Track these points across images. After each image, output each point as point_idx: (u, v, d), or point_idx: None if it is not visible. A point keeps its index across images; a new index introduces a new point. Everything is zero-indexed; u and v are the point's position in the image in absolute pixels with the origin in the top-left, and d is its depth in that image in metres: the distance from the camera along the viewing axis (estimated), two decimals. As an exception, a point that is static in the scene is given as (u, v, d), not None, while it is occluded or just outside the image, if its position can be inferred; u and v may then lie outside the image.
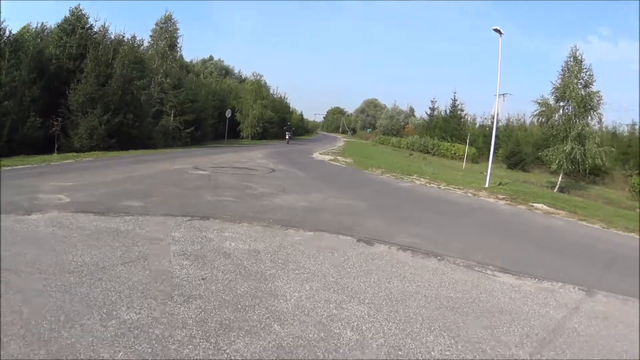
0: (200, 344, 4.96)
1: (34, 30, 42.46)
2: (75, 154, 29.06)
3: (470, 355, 5.51)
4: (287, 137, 66.52)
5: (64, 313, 5.41)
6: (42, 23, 43.81)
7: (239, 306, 6.01)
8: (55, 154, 28.39)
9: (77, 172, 19.63)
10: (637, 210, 26.23)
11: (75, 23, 40.17)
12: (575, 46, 32.72)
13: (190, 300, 6.01)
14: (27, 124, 30.44)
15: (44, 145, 30.82)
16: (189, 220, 10.83)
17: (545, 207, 19.83)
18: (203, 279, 6.89)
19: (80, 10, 41.20)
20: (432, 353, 5.43)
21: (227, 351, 4.89)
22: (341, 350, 5.21)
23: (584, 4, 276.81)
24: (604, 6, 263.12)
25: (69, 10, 40.96)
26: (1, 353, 4.49)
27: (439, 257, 9.56)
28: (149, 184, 16.61)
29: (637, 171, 42.73)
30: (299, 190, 17.65)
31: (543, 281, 8.74)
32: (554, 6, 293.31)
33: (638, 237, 15.75)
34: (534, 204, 20.23)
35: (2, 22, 32.74)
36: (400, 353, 5.31)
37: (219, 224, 10.73)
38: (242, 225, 10.77)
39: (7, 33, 33.58)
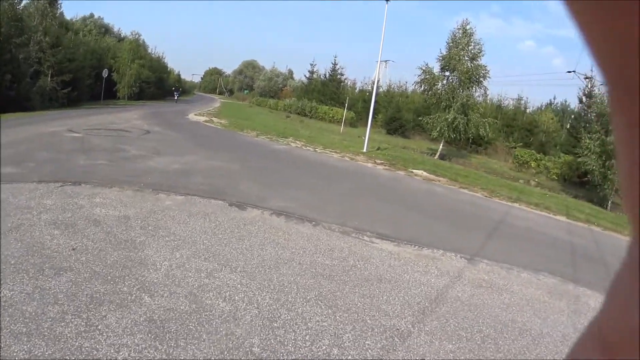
0: (73, 320, 4.95)
1: None
2: None
3: (349, 325, 5.69)
4: (175, 96, 77.47)
5: None
6: None
7: (109, 277, 6.01)
8: None
9: None
10: (521, 181, 27.28)
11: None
12: (466, 19, 33.29)
13: (61, 273, 5.96)
14: None
15: None
16: (61, 186, 10.58)
17: (425, 173, 20.50)
18: (73, 249, 6.81)
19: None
20: (309, 324, 5.55)
21: (99, 327, 4.92)
22: (213, 323, 5.27)
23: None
24: None
25: None
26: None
27: (313, 223, 9.77)
28: (23, 149, 15.95)
29: (521, 144, 44.45)
30: (173, 152, 17.55)
31: (423, 248, 9.08)
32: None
33: (525, 207, 16.65)
34: (414, 170, 20.83)
35: None
36: (275, 325, 5.44)
37: (90, 189, 10.56)
38: (113, 190, 10.64)
39: None
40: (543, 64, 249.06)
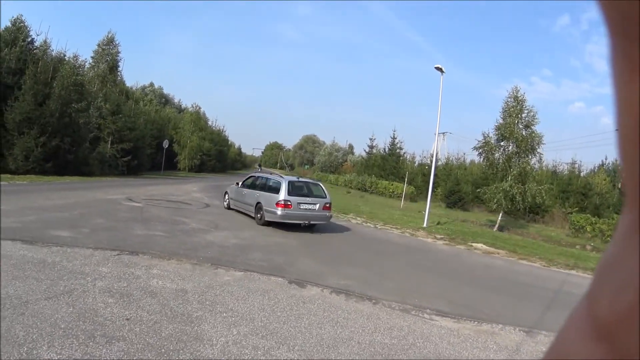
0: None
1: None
2: (9, 175, 28.53)
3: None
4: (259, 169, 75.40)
5: (-19, 349, 5.24)
6: None
7: (163, 350, 5.91)
8: (-10, 175, 27.81)
9: (9, 195, 19.21)
10: (577, 247, 26.64)
11: (17, 34, 39.39)
12: (516, 87, 32.85)
13: (113, 342, 5.89)
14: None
15: (-25, 164, 29.88)
16: (118, 254, 10.66)
17: (484, 246, 20.11)
18: (127, 319, 6.75)
19: (22, 21, 40.36)
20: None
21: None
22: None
23: (528, 46, 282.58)
24: (546, 47, 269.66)
25: (10, 20, 40.10)
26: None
27: (373, 301, 9.57)
28: (80, 213, 16.33)
29: (577, 208, 43.48)
30: (232, 227, 17.66)
31: (482, 323, 8.84)
32: (499, 48, 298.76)
33: (581, 273, 16.22)
34: (473, 244, 20.54)
35: None
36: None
37: (147, 260, 10.61)
38: (171, 263, 10.67)
39: None
40: (593, 125, 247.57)
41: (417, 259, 16.19)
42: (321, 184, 22.34)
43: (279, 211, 18.89)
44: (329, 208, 20.51)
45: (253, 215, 20.69)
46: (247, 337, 6.74)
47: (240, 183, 23.59)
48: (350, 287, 10.46)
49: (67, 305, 6.94)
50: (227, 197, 24.64)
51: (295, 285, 10.10)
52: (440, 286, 12.07)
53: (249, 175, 24.38)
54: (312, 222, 20.02)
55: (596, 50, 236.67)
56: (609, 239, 33.04)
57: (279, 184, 19.98)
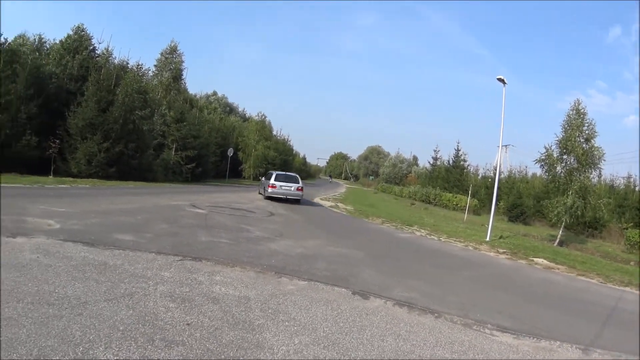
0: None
1: (30, 42, 42.36)
2: (72, 179, 29.33)
3: None
4: (330, 179, 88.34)
5: (36, 347, 5.22)
6: (40, 36, 44.28)
7: (223, 357, 5.78)
8: (51, 177, 28.60)
9: (72, 198, 19.73)
10: (632, 263, 26.02)
11: (79, 43, 40.13)
12: (578, 100, 32.35)
13: (172, 346, 5.78)
14: (21, 142, 30.53)
15: (38, 166, 30.88)
16: (181, 260, 10.65)
17: (545, 261, 19.88)
18: (188, 324, 6.65)
19: (84, 30, 41.16)
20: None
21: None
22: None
23: (584, 58, 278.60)
24: (602, 59, 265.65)
25: (72, 29, 41.08)
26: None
27: (436, 315, 9.32)
28: (144, 218, 16.51)
29: (632, 224, 42.52)
30: (296, 236, 17.52)
31: (541, 340, 8.59)
32: (558, 60, 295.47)
33: (635, 291, 15.83)
34: (534, 259, 20.29)
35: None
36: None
37: (210, 266, 10.55)
38: (234, 270, 10.57)
39: (2, 40, 34.03)
40: None
41: (480, 273, 15.97)
42: (297, 176, 38.42)
43: (270, 190, 33.58)
44: (301, 190, 35.12)
45: (263, 193, 35.91)
46: (309, 347, 6.58)
47: (263, 178, 39.81)
48: (413, 300, 10.24)
49: (127, 308, 6.90)
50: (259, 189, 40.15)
51: (359, 297, 9.90)
52: (502, 301, 11.80)
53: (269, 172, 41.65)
54: (288, 197, 34.22)
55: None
56: (663, 254, 32.32)
57: (271, 175, 35.65)
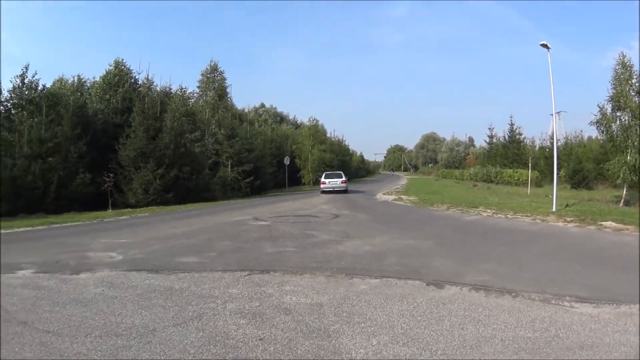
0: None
1: (70, 84, 43.34)
2: (130, 209, 29.79)
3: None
4: (392, 172, 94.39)
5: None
6: (79, 76, 45.63)
7: (300, 368, 5.60)
8: (110, 210, 29.07)
9: (131, 228, 19.95)
10: None
11: (119, 77, 40.95)
12: (622, 52, 31.95)
13: (246, 363, 5.62)
14: (76, 181, 31.39)
15: (96, 201, 31.54)
16: (248, 274, 10.56)
17: (613, 224, 19.56)
18: (261, 339, 6.48)
19: (123, 63, 42.12)
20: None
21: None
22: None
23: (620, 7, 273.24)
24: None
25: (109, 65, 42.42)
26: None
27: (513, 294, 9.03)
28: (206, 238, 16.55)
29: None
30: (363, 234, 17.30)
31: (621, 306, 8.26)
32: (590, 15, 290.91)
33: None
34: (602, 223, 19.93)
35: (34, 75, 33.89)
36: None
37: (279, 277, 10.43)
38: (303, 277, 10.43)
39: (40, 86, 35.25)
40: None
41: (550, 245, 15.59)
42: (341, 172, 52.22)
43: (322, 186, 47.18)
44: (345, 182, 48.09)
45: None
46: (388, 346, 6.35)
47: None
48: (489, 283, 9.97)
49: (197, 330, 6.81)
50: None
51: (434, 287, 9.66)
52: (576, 271, 11.42)
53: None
54: (336, 189, 46.78)
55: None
56: None
57: (323, 174, 50.83)
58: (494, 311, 7.97)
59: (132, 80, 43.30)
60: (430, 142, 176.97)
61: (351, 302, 8.47)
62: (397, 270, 11.13)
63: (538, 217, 22.62)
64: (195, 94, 60.09)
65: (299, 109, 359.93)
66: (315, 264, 11.88)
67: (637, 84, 30.51)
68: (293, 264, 11.86)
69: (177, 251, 13.70)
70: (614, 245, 15.29)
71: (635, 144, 29.84)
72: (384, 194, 45.02)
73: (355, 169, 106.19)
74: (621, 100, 30.48)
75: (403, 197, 39.57)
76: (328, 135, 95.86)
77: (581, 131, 74.27)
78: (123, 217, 25.48)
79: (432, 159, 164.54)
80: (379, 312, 7.88)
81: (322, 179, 48.67)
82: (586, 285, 9.79)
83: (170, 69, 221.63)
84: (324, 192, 46.56)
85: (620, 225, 19.01)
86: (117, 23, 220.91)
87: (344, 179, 48.55)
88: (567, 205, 27.32)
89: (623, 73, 30.95)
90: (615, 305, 8.28)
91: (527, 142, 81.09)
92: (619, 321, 7.44)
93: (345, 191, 47.28)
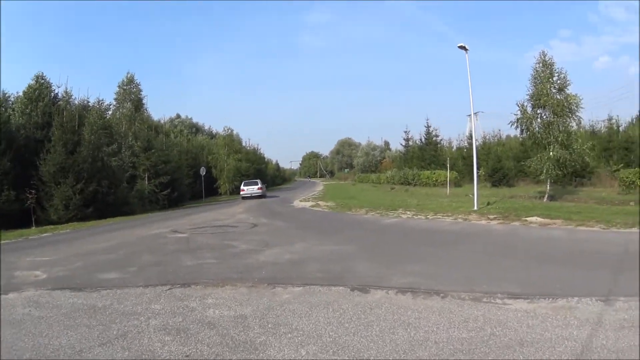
0: None
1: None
2: (52, 226, 29.25)
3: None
4: (309, 179, 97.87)
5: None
6: (4, 91, 44.00)
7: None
8: (34, 228, 28.44)
9: (54, 245, 19.66)
10: (632, 204, 26.09)
11: (39, 91, 40.20)
12: (543, 51, 32.53)
13: (174, 382, 5.63)
14: (1, 198, 30.63)
15: (21, 218, 30.85)
16: (169, 289, 10.45)
17: (539, 219, 19.97)
18: (187, 355, 6.43)
19: (44, 77, 41.30)
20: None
21: None
22: None
23: (540, 9, 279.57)
24: (562, 7, 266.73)
25: (31, 79, 41.24)
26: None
27: (442, 295, 9.11)
28: (126, 252, 16.36)
29: (622, 165, 42.86)
30: (283, 242, 17.31)
31: (557, 299, 8.39)
32: (511, 17, 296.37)
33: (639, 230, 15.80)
34: (528, 218, 20.31)
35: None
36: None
37: (200, 290, 10.34)
38: (225, 289, 10.35)
39: None
40: (621, 77, 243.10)
41: (476, 243, 15.84)
42: (258, 180, 60.95)
43: (241, 193, 55.55)
44: (261, 189, 56.14)
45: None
46: (317, 356, 6.36)
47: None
48: (415, 284, 10.03)
49: (123, 350, 6.70)
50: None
51: (359, 292, 9.67)
52: (505, 267, 11.60)
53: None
54: (254, 195, 53.87)
55: (611, 1, 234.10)
56: (662, 189, 32.49)
57: (242, 182, 59.68)
58: (423, 313, 8.03)
59: (52, 94, 42.27)
60: (345, 148, 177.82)
61: (275, 312, 8.44)
62: (319, 277, 11.17)
63: (460, 216, 23.09)
64: (112, 106, 59.08)
65: (216, 118, 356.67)
66: (236, 274, 11.83)
67: (558, 82, 31.22)
68: (214, 275, 11.81)
69: (98, 267, 13.48)
70: (541, 240, 15.70)
71: (558, 138, 30.46)
72: (300, 200, 45.02)
73: (271, 177, 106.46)
74: (542, 99, 31.13)
75: (320, 202, 39.65)
76: (244, 144, 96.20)
77: (499, 130, 77.12)
78: (46, 235, 25.00)
79: (348, 164, 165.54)
80: (305, 321, 7.86)
81: (242, 187, 57.16)
82: (517, 281, 9.98)
83: (89, 82, 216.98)
84: (244, 197, 54.47)
85: (547, 220, 19.51)
86: (38, 35, 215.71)
87: (260, 185, 57.69)
88: (488, 203, 27.90)
89: (544, 71, 31.65)
90: (551, 299, 8.43)
91: (444, 144, 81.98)
92: (558, 315, 7.56)
93: (262, 196, 55.81)
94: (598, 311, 7.73)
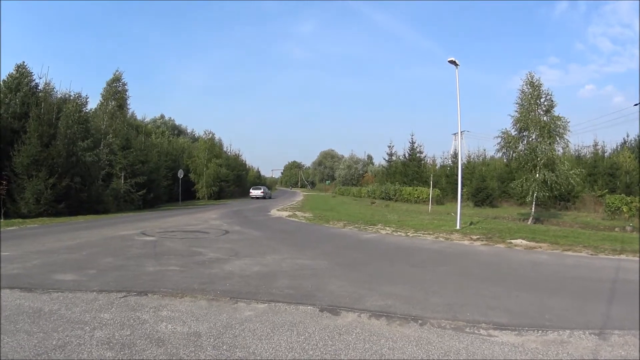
0: None
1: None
2: (21, 220, 28.69)
3: None
4: (290, 188, 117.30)
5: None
6: None
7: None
8: (2, 220, 27.80)
9: (17, 240, 19.07)
10: (617, 230, 25.99)
11: (20, 80, 39.68)
12: (531, 73, 32.84)
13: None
14: (-27, 188, 29.79)
15: (-8, 210, 29.98)
16: (124, 296, 9.83)
17: (524, 242, 19.80)
18: (127, 377, 5.79)
19: (25, 67, 40.77)
20: None
21: None
22: None
23: (530, 36, 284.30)
24: (550, 36, 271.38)
25: (14, 68, 40.77)
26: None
27: (420, 321, 8.51)
28: (89, 253, 15.76)
29: (607, 190, 43.71)
30: (254, 252, 16.77)
31: (548, 332, 7.90)
32: (504, 43, 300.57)
33: (634, 257, 15.82)
34: (512, 241, 20.11)
35: None
36: None
37: (157, 300, 9.72)
38: (183, 301, 9.74)
39: None
40: (606, 105, 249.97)
41: (458, 265, 15.37)
42: (265, 186, 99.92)
43: (250, 194, 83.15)
44: (263, 192, 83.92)
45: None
46: (275, 388, 5.75)
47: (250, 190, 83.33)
48: (391, 308, 9.45)
49: (57, 364, 6.03)
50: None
51: (328, 313, 9.08)
52: (491, 293, 11.09)
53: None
54: (259, 197, 79.99)
55: (599, 31, 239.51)
56: (647, 217, 32.66)
57: (251, 187, 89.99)
58: (398, 343, 7.39)
59: (33, 84, 41.49)
60: (328, 159, 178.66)
61: (233, 331, 7.80)
62: (287, 294, 10.56)
63: (441, 235, 22.87)
64: (97, 102, 58.61)
65: (200, 122, 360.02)
66: (198, 285, 11.25)
67: (545, 103, 31.16)
68: (174, 285, 11.19)
69: (56, 267, 12.90)
70: (527, 264, 15.38)
71: (543, 161, 30.41)
72: (278, 210, 44.63)
73: (251, 185, 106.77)
74: (528, 120, 31.18)
75: (298, 213, 39.39)
76: (225, 149, 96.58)
77: (484, 150, 78.95)
78: (11, 228, 24.38)
79: (330, 176, 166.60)
80: (265, 344, 7.21)
81: (251, 190, 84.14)
82: (504, 309, 9.45)
83: (79, 79, 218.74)
84: (252, 197, 78.88)
85: (533, 243, 19.37)
86: (27, 29, 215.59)
87: (262, 190, 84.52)
88: (471, 223, 27.99)
89: (531, 92, 31.66)
90: (541, 332, 7.93)
91: (428, 161, 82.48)
92: (549, 351, 7.05)
93: (264, 198, 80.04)
94: (592, 346, 7.27)
